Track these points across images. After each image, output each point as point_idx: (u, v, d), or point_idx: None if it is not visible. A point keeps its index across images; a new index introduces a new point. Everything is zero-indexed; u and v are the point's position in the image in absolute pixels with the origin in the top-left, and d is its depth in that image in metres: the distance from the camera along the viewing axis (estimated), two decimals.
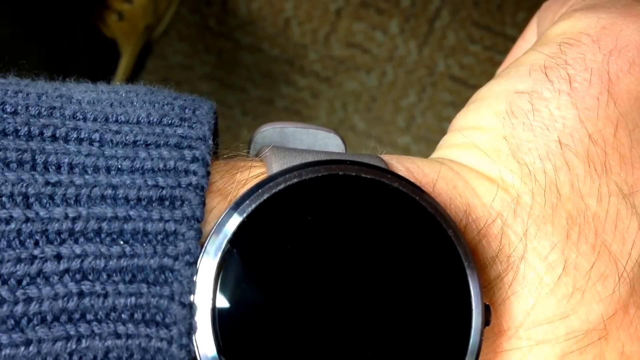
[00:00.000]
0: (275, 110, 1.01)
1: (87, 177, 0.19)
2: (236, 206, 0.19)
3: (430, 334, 0.19)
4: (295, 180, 0.20)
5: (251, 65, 1.01)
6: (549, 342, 0.20)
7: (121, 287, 0.18)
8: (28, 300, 0.17)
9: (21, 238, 0.18)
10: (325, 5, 1.01)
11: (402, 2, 1.02)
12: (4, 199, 0.18)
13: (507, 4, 1.02)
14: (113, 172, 0.19)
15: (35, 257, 0.18)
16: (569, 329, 0.20)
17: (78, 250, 0.18)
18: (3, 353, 0.17)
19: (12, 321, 0.17)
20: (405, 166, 0.22)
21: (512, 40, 0.35)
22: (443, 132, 0.25)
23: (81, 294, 0.18)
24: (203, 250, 0.19)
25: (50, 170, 0.19)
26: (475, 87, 0.25)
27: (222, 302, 0.18)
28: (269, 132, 0.25)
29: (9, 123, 0.19)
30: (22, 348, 0.17)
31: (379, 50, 1.01)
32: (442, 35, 1.02)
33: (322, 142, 0.25)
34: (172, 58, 1.01)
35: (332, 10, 1.01)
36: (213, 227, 0.19)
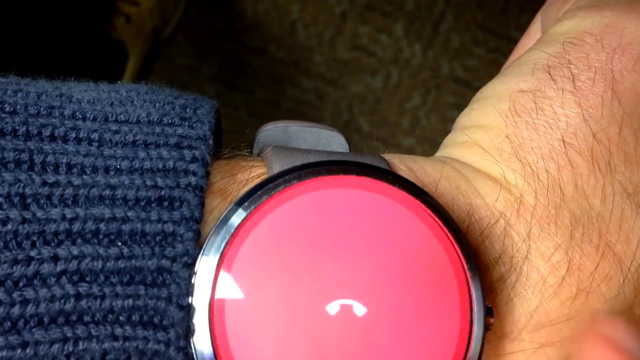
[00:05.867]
0: (281, 111, 1.00)
1: (85, 177, 0.19)
2: (235, 208, 0.19)
3: (431, 336, 0.19)
4: (295, 181, 0.19)
5: (257, 67, 1.01)
6: (553, 344, 0.20)
7: (119, 289, 0.18)
8: (25, 302, 0.17)
9: (18, 239, 0.18)
10: (330, 9, 1.01)
11: (406, 5, 1.01)
12: (0, 199, 0.18)
13: (510, 6, 1.01)
14: (112, 173, 0.19)
15: (32, 258, 0.18)
16: (573, 331, 0.20)
17: (75, 252, 0.18)
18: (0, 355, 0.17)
19: (9, 323, 0.17)
20: (408, 166, 0.22)
21: (516, 42, 0.35)
22: (447, 134, 0.25)
23: (78, 296, 0.18)
24: (201, 252, 0.18)
25: (48, 170, 0.19)
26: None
27: (220, 305, 0.18)
28: (272, 130, 0.24)
29: (7, 123, 0.19)
30: (19, 350, 0.17)
31: (383, 53, 1.01)
32: (446, 38, 1.01)
33: (326, 140, 0.24)
34: (179, 60, 1.01)
35: (337, 13, 1.01)
36: (212, 229, 0.19)
